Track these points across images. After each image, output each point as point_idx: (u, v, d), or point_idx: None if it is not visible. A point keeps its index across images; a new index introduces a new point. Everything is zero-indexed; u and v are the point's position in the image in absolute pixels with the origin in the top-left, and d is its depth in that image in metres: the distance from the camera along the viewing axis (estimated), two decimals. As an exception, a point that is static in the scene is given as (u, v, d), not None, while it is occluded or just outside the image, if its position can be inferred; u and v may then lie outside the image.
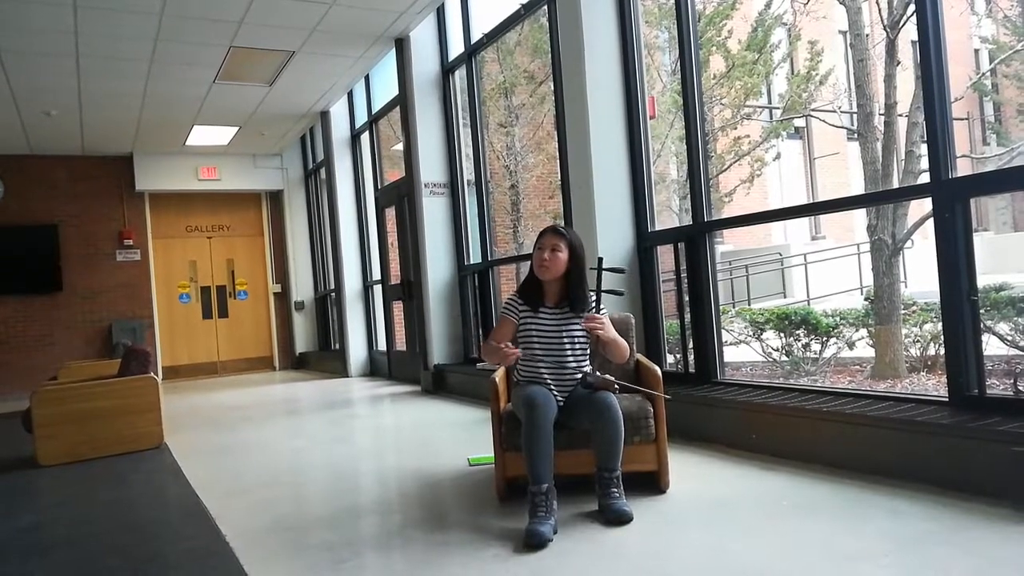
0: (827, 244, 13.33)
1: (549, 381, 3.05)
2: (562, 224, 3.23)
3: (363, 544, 2.85)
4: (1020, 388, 4.46)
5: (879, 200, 5.21)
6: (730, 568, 2.31)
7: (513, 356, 2.93)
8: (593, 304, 3.09)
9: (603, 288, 3.12)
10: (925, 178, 3.42)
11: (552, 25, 5.36)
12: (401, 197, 7.70)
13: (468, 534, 2.79)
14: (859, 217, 11.08)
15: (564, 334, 3.08)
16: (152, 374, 5.33)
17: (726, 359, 4.63)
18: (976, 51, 14.93)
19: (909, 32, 4.82)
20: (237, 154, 11.01)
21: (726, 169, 9.91)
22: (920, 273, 8.55)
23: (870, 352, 5.79)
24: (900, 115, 5.77)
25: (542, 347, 3.07)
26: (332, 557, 2.66)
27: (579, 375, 3.04)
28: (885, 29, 5.66)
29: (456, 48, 6.98)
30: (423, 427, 5.44)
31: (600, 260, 3.17)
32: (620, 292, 3.49)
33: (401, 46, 7.13)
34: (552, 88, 5.64)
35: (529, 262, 3.19)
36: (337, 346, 10.46)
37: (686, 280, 4.47)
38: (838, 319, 5.69)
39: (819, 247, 12.90)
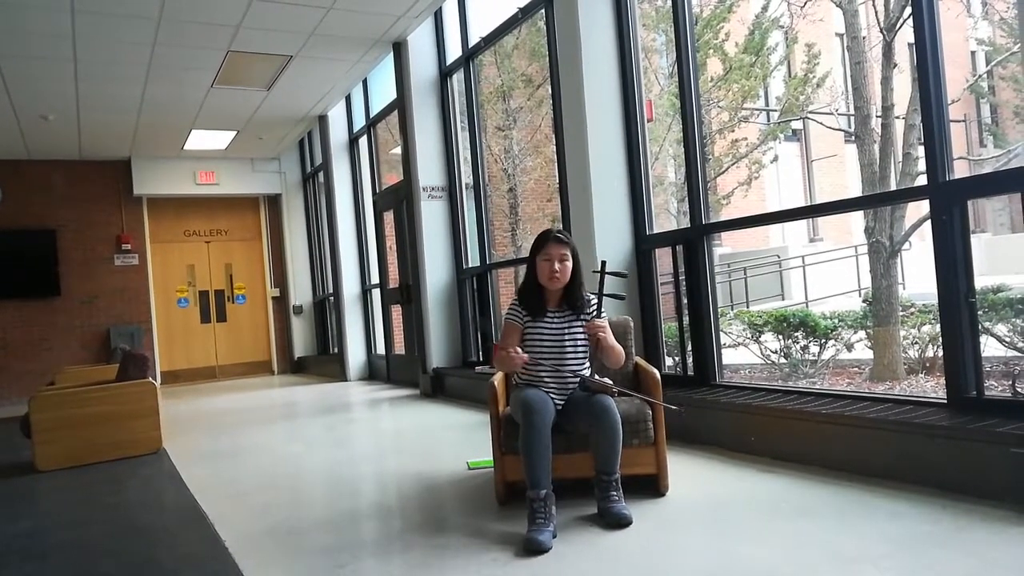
0: (825, 246, 13.32)
1: (549, 384, 3.05)
2: (558, 228, 3.20)
3: (362, 548, 2.84)
4: (1018, 389, 4.46)
5: (877, 202, 5.21)
6: (731, 571, 2.31)
7: (520, 361, 2.93)
8: (594, 307, 3.09)
9: (605, 292, 3.12)
10: (922, 180, 3.42)
11: (550, 28, 5.37)
12: (399, 201, 7.71)
13: (467, 538, 2.79)
14: (857, 219, 11.08)
15: (567, 337, 3.07)
16: (150, 379, 5.32)
17: (725, 361, 4.63)
18: (973, 53, 14.93)
19: (906, 34, 4.83)
20: (235, 158, 11.00)
21: (724, 171, 9.91)
22: (918, 275, 8.54)
23: (868, 354, 5.79)
24: (897, 117, 5.77)
25: (544, 351, 3.06)
26: (331, 561, 2.66)
27: (578, 378, 3.04)
28: (882, 32, 5.67)
29: (454, 52, 6.99)
30: (422, 431, 5.44)
31: (603, 264, 3.16)
32: (622, 296, 3.48)
33: (399, 50, 7.14)
34: (550, 91, 5.65)
35: (525, 265, 3.16)
36: (335, 350, 10.44)
37: (684, 283, 4.47)
38: (836, 321, 5.69)
39: (817, 249, 12.89)
